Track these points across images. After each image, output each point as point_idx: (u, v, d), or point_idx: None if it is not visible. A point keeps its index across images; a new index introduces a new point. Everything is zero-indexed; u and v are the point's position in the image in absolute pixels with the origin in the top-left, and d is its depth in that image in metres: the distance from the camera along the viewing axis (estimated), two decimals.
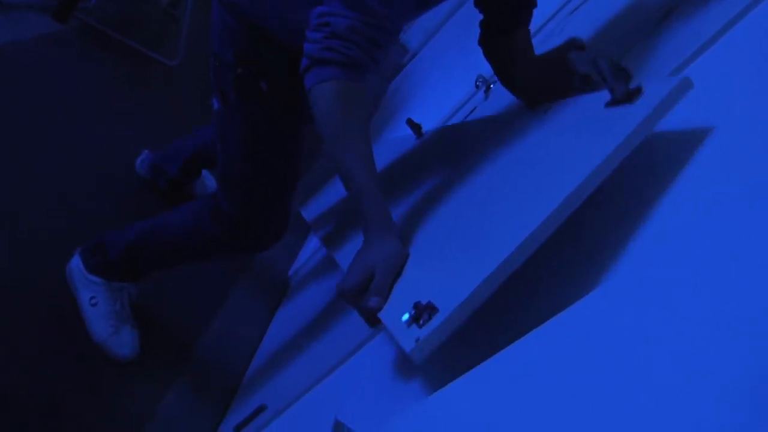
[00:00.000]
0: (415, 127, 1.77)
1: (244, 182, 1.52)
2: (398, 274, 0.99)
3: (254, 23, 1.34)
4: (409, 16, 1.21)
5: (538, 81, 1.29)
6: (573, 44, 1.22)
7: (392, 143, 1.98)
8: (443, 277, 0.88)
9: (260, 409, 1.49)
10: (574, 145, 0.95)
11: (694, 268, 0.64)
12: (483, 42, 1.37)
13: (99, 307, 1.70)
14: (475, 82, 1.92)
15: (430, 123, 2.28)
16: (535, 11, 1.34)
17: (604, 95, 0.95)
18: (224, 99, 1.43)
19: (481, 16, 1.36)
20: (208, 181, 2.35)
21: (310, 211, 2.09)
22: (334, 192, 1.94)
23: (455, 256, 0.93)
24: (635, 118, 0.83)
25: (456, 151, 1.45)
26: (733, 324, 0.54)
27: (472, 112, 1.91)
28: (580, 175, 0.80)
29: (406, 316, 0.84)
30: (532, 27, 1.35)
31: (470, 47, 1.43)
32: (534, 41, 1.36)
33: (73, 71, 2.49)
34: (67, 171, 2.06)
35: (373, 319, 0.95)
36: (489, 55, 1.39)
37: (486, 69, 2.00)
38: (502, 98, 1.65)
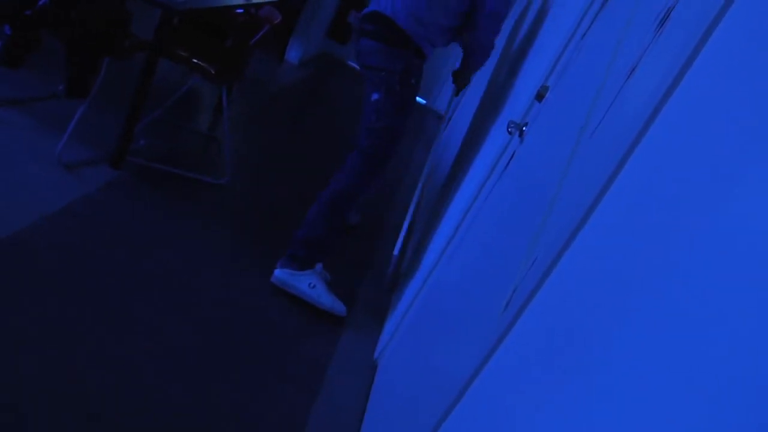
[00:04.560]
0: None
1: (391, 131, 2.57)
2: None
3: (415, 44, 2.51)
4: None
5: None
6: None
7: None
8: None
9: None
10: None
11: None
12: None
13: (317, 288, 2.58)
14: (507, 128, 1.99)
15: (475, 176, 2.35)
16: (550, 39, 1.60)
17: None
18: (388, 91, 2.51)
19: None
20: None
21: None
22: None
23: None
24: None
25: None
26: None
27: (512, 157, 1.98)
28: None
29: None
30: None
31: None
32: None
33: (139, 208, 2.67)
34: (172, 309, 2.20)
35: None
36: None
37: (515, 114, 2.08)
38: (537, 138, 1.71)
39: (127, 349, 1.96)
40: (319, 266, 2.67)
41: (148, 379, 1.90)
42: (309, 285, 2.57)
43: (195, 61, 2.97)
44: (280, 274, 2.58)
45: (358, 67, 2.68)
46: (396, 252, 2.89)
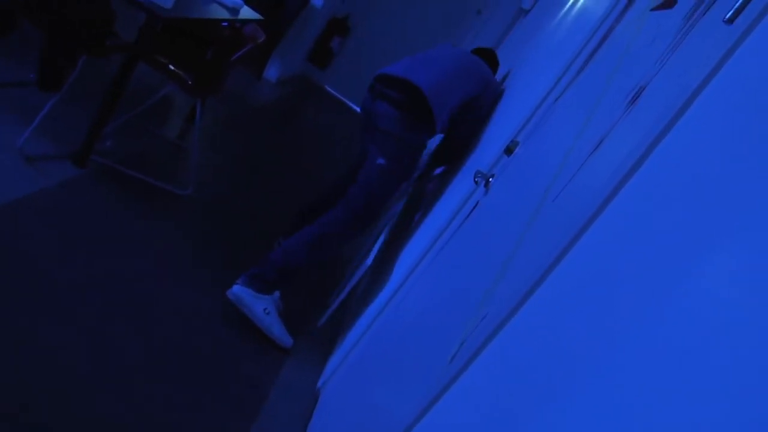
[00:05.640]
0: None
1: (386, 195, 2.63)
2: None
3: (435, 124, 2.52)
4: None
5: None
6: None
7: None
8: None
9: None
10: None
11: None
12: None
13: (271, 315, 2.55)
14: (474, 177, 2.03)
15: (437, 219, 2.38)
16: (524, 95, 1.65)
17: None
18: (395, 159, 2.55)
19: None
20: None
21: None
22: None
23: None
24: None
25: None
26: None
27: (475, 207, 2.01)
28: None
29: None
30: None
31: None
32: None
33: (97, 209, 2.63)
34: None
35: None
36: None
37: (483, 164, 2.11)
38: (501, 192, 1.75)
39: (62, 350, 1.92)
40: (276, 294, 2.65)
41: (81, 385, 1.85)
42: (264, 310, 2.53)
43: (173, 69, 2.96)
44: (239, 291, 2.51)
45: (362, 120, 2.69)
46: (349, 285, 2.89)
